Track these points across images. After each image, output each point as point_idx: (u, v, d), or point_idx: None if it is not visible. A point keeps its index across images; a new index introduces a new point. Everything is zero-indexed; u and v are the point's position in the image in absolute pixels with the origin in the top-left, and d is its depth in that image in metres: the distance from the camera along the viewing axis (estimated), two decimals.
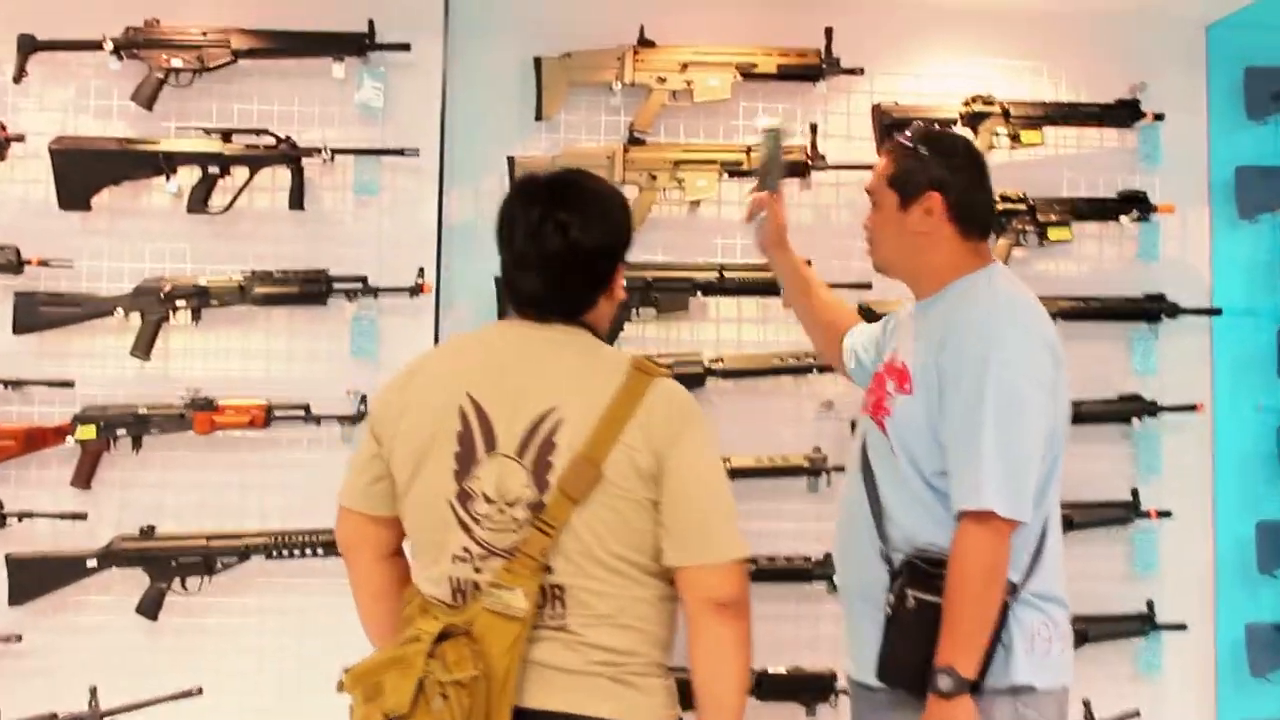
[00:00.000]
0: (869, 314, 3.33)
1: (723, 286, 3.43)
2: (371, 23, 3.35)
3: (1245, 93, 3.71)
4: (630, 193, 3.35)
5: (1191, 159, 3.70)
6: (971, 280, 2.29)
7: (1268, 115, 3.68)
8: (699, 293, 3.42)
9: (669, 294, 3.39)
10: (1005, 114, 3.52)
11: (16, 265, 3.25)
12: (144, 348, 3.27)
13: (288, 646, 3.29)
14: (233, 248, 3.36)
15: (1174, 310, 3.58)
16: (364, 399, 3.27)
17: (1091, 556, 3.44)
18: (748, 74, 3.47)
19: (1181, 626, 3.53)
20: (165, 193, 3.33)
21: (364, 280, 3.32)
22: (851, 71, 3.50)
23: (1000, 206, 3.41)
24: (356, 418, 3.27)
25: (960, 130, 3.43)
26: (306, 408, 3.27)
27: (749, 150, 3.42)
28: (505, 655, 1.83)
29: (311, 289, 3.30)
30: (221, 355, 3.36)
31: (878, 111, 3.51)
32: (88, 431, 3.22)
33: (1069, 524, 3.00)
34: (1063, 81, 3.66)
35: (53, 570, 3.20)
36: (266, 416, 3.26)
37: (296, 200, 3.33)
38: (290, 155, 3.32)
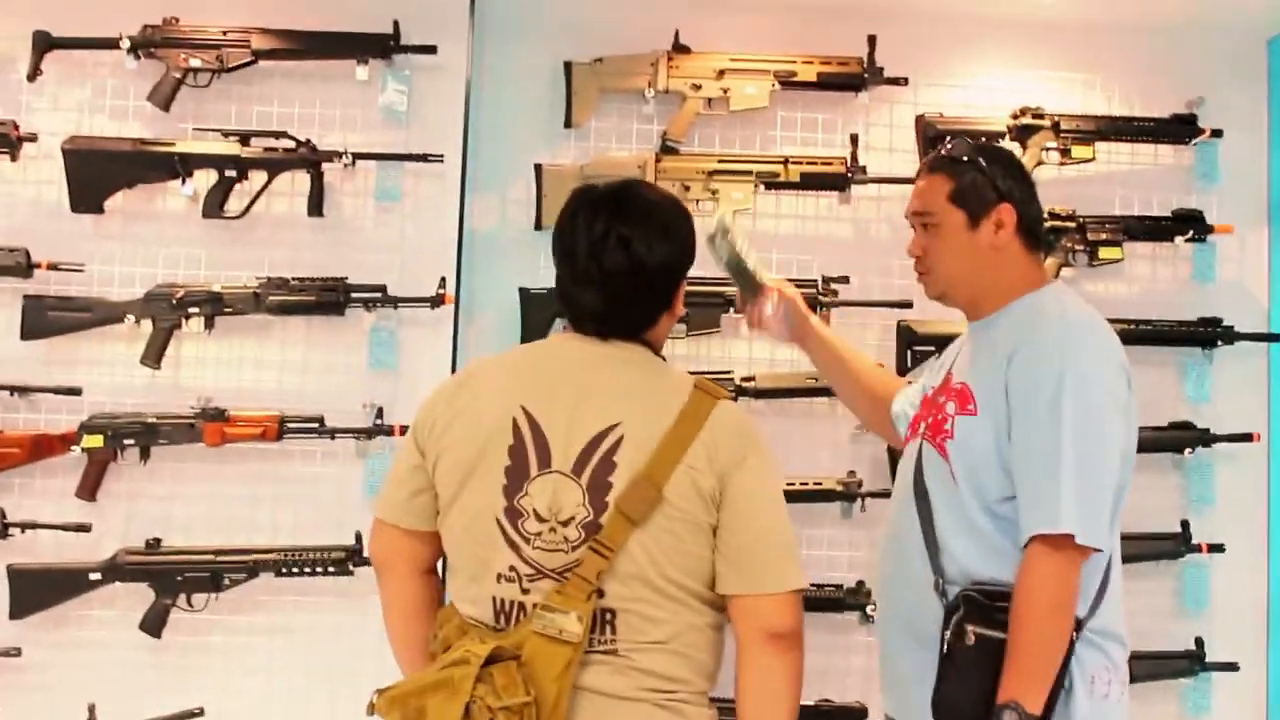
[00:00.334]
0: (909, 334, 3.27)
1: None
2: (396, 24, 3.30)
3: None
4: None
5: (1251, 177, 3.59)
6: (1036, 297, 2.20)
7: None
8: (731, 309, 3.30)
9: (700, 310, 3.29)
10: (1056, 128, 3.41)
11: (26, 268, 3.21)
12: (155, 355, 3.21)
13: (295, 667, 3.24)
14: (249, 254, 3.31)
15: (1230, 335, 3.46)
16: (380, 412, 3.22)
17: (1138, 591, 3.27)
18: (786, 82, 3.38)
19: (1233, 666, 3.41)
20: (180, 196, 3.28)
21: (383, 290, 3.25)
22: (895, 81, 3.40)
23: (1048, 224, 3.30)
24: (373, 431, 3.20)
25: (1008, 144, 3.32)
26: (320, 420, 3.21)
27: (786, 161, 3.34)
28: (556, 681, 1.80)
29: (329, 298, 3.23)
30: (234, 365, 3.31)
31: (921, 123, 3.41)
32: (94, 440, 3.16)
33: None
34: (1116, 95, 3.56)
35: (55, 583, 3.16)
36: (279, 429, 3.19)
37: (315, 206, 3.27)
38: (310, 159, 3.26)
